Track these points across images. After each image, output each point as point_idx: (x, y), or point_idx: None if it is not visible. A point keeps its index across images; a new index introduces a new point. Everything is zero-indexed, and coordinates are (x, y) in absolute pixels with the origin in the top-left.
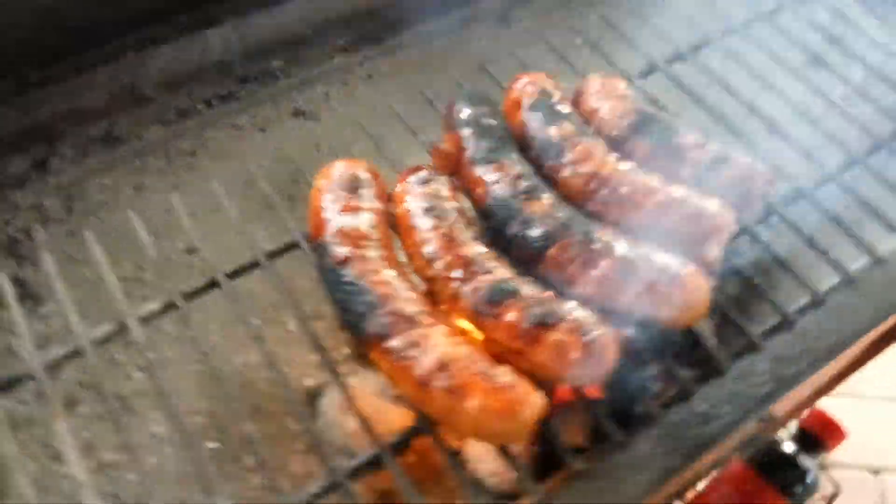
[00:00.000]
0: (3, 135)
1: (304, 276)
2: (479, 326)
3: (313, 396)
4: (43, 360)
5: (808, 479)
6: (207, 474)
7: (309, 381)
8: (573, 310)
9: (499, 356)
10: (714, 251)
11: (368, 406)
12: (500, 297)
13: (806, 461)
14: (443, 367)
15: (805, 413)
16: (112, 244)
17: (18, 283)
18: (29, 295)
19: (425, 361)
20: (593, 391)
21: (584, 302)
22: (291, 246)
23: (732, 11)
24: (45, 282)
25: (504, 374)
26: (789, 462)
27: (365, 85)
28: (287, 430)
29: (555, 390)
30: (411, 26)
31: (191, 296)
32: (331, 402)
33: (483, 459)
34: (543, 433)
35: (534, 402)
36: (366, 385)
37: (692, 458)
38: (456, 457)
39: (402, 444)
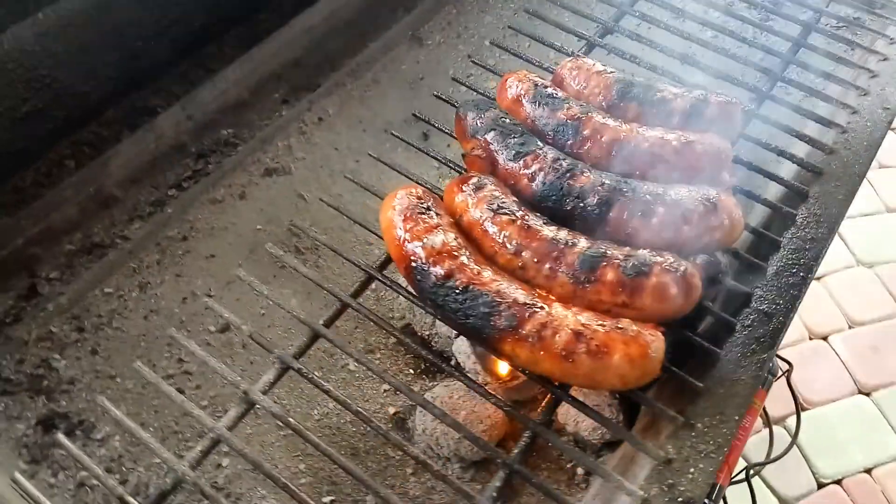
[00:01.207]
0: None
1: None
2: (582, 293)
3: (402, 420)
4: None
5: (771, 365)
6: None
7: (391, 409)
8: (656, 255)
9: (606, 314)
10: (727, 176)
11: (461, 411)
12: (592, 263)
13: None
14: (579, 336)
15: None
16: (148, 356)
17: (59, 417)
18: (76, 425)
19: (562, 336)
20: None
21: (652, 248)
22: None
23: None
24: (90, 408)
25: (629, 325)
26: None
27: (319, 128)
28: (391, 459)
29: None
30: (337, 66)
31: (268, 388)
32: (422, 419)
33: (578, 422)
34: None
35: (659, 339)
36: (445, 394)
37: (771, 351)
38: (551, 426)
39: (546, 421)
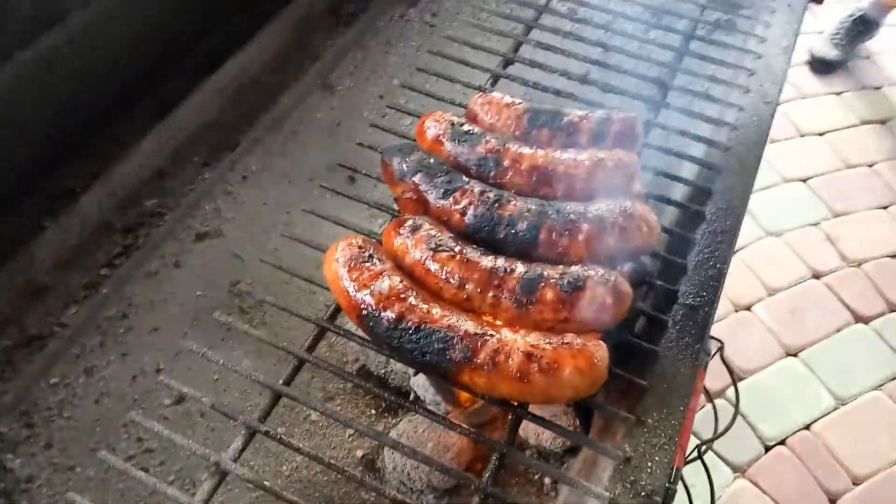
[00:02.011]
0: None
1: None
2: (526, 316)
3: (371, 462)
4: None
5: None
6: None
7: (358, 452)
8: (588, 269)
9: (550, 331)
10: (638, 185)
11: (428, 443)
12: (532, 286)
13: None
14: (530, 357)
15: None
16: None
17: None
18: None
19: (514, 359)
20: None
21: (582, 262)
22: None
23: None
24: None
25: (573, 339)
26: None
27: (245, 186)
28: (366, 502)
29: None
30: (252, 122)
31: (238, 455)
32: (391, 457)
33: (539, 434)
34: None
35: (602, 348)
36: (410, 429)
37: (703, 340)
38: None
39: (510, 441)
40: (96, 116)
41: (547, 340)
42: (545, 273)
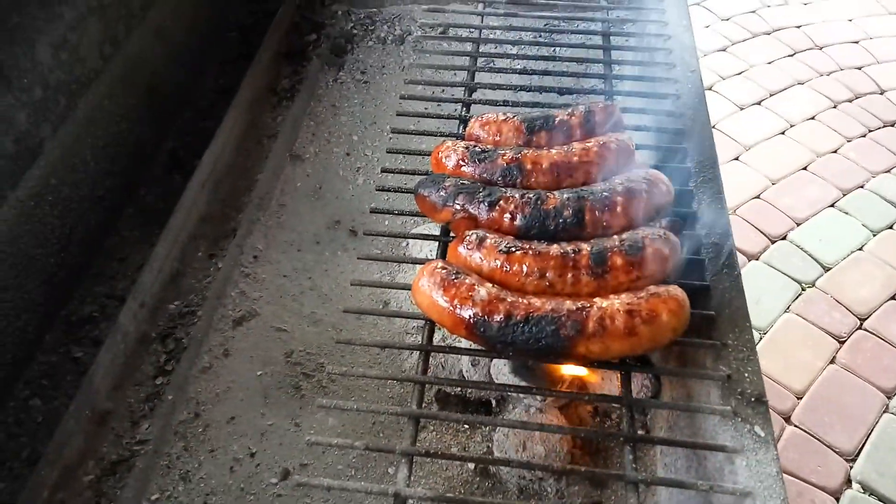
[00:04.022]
0: None
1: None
2: (604, 284)
3: (484, 470)
4: None
5: None
6: None
7: (470, 465)
8: (638, 232)
9: (630, 291)
10: (639, 158)
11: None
12: (602, 258)
13: None
14: (631, 314)
15: None
16: None
17: None
18: None
19: (620, 319)
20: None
21: (627, 229)
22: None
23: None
24: None
25: (657, 289)
26: None
27: (260, 265)
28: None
29: None
30: (241, 207)
31: (409, 481)
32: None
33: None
34: None
35: (678, 290)
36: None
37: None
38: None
39: (628, 393)
40: (89, 237)
41: (638, 296)
42: (608, 244)
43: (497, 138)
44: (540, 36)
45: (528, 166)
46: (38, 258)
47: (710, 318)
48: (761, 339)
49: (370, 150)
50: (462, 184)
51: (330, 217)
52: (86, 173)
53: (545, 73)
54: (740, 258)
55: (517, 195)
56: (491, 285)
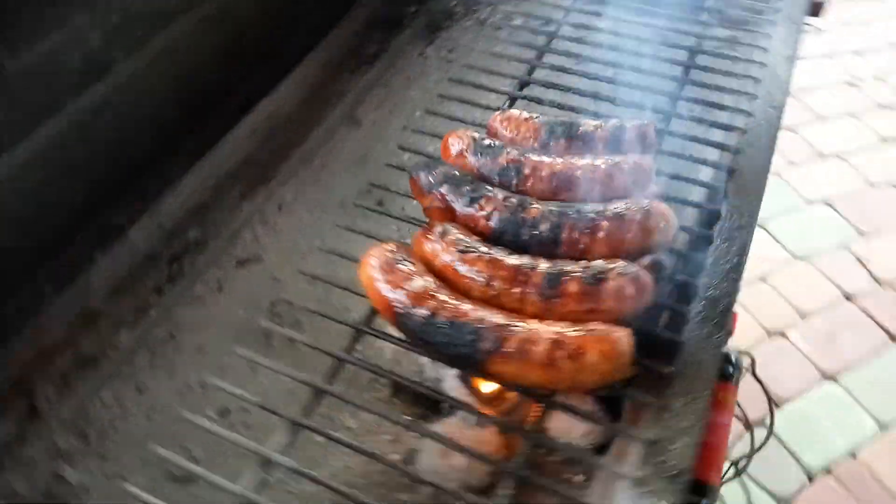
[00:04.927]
0: None
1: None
2: (551, 308)
3: (409, 461)
4: None
5: (734, 360)
6: None
7: (394, 457)
8: (608, 264)
9: (576, 322)
10: (654, 187)
11: (464, 441)
12: (556, 279)
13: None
14: (556, 344)
15: None
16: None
17: None
18: None
19: (541, 347)
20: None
21: (604, 258)
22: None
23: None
24: None
25: (597, 326)
26: None
27: (281, 216)
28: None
29: None
30: (286, 157)
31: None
32: (427, 460)
33: (568, 430)
34: None
35: (625, 335)
36: (443, 431)
37: (724, 329)
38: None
39: (540, 428)
40: (142, 158)
41: (573, 328)
42: (568, 268)
43: (514, 136)
44: (622, 43)
45: (527, 170)
46: (85, 167)
47: (665, 376)
48: (880, 433)
49: (428, 125)
50: (454, 174)
51: (363, 185)
52: (151, 102)
53: (609, 80)
54: (882, 336)
55: (500, 196)
56: (431, 280)
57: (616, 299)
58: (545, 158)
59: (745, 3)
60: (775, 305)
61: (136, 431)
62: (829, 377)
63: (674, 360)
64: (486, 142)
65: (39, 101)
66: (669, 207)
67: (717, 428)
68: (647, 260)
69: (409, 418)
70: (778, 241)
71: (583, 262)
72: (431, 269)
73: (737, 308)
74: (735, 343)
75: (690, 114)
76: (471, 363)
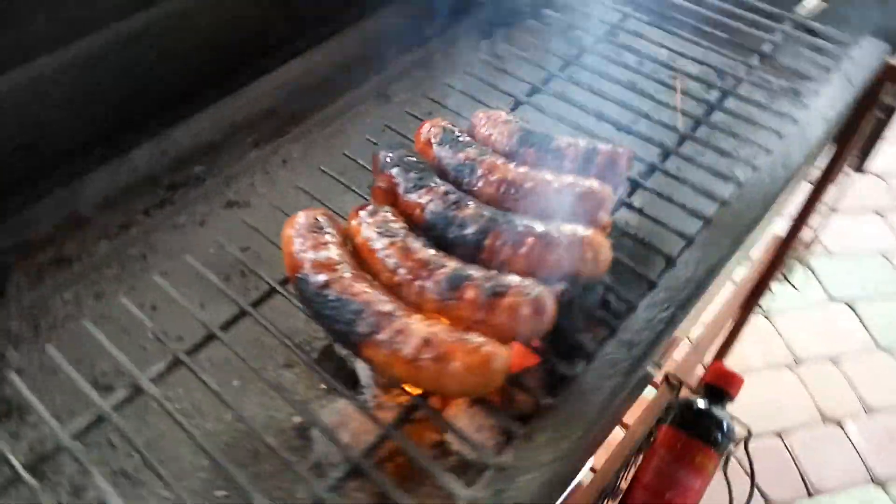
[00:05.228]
0: None
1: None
2: (445, 309)
3: (305, 429)
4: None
5: (725, 427)
6: None
7: (296, 419)
8: (515, 279)
9: (467, 330)
10: (604, 217)
11: (353, 422)
12: (457, 282)
13: (719, 412)
14: (426, 343)
15: (704, 372)
16: (78, 350)
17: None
18: (13, 410)
19: (411, 343)
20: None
21: (520, 275)
22: (265, 296)
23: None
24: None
25: (475, 337)
26: (706, 415)
27: (283, 169)
28: (288, 462)
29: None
30: (306, 117)
31: (158, 378)
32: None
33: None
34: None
35: (502, 353)
36: (342, 407)
37: (629, 378)
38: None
39: (402, 420)
40: (168, 92)
41: (452, 333)
42: (473, 274)
43: (488, 135)
44: (655, 71)
45: (480, 171)
46: (113, 89)
47: (543, 405)
48: None
49: (451, 116)
50: (410, 160)
51: (369, 155)
52: (190, 39)
53: (621, 103)
54: None
55: (442, 189)
56: (343, 254)
57: (509, 317)
58: (501, 163)
59: (807, 53)
60: (840, 391)
61: (80, 333)
62: (878, 482)
63: (560, 394)
64: (456, 135)
65: (85, 16)
66: (608, 241)
67: (685, 490)
68: (558, 286)
69: (323, 387)
70: (864, 324)
71: (491, 273)
72: (353, 245)
73: (796, 382)
74: (781, 417)
75: (692, 155)
76: (348, 343)
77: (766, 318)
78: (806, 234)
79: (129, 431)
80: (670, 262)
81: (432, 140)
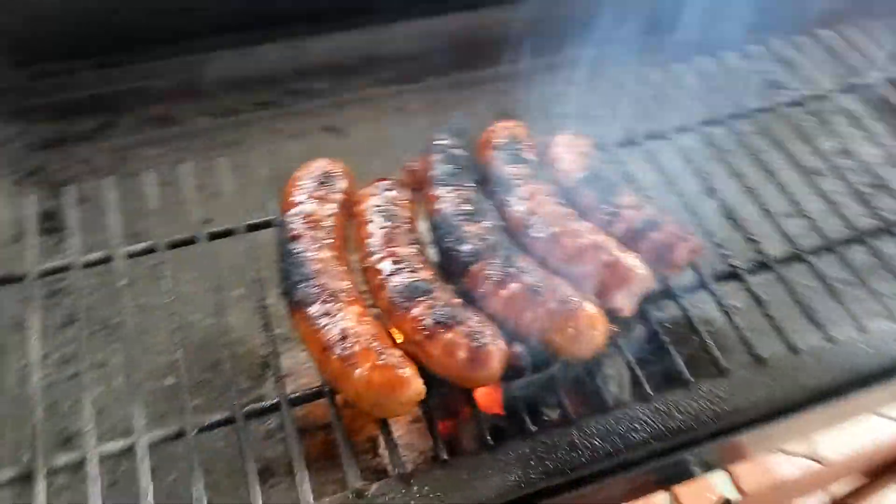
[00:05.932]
0: (80, 98)
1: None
2: (391, 315)
3: (266, 366)
4: (39, 269)
5: None
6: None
7: (265, 350)
8: (472, 318)
9: (403, 346)
10: (621, 299)
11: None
12: (414, 293)
13: None
14: (344, 337)
15: None
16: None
17: (48, 216)
18: (52, 225)
19: (331, 330)
20: (489, 401)
21: (492, 317)
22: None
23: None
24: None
25: (394, 355)
26: None
27: (394, 115)
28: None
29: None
30: (448, 72)
31: (173, 245)
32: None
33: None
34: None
35: (414, 385)
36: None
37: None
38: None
39: (298, 400)
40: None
41: (375, 340)
42: (437, 293)
43: (558, 159)
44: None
45: (519, 192)
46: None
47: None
48: None
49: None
50: (455, 151)
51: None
52: None
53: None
54: None
55: (467, 194)
56: (332, 213)
57: (444, 353)
58: (545, 194)
59: None
60: None
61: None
62: None
63: (465, 457)
64: (517, 146)
65: None
66: (608, 329)
67: None
68: (517, 347)
69: None
70: None
71: (455, 300)
72: (359, 216)
73: None
74: None
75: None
76: (289, 302)
77: None
78: None
79: (127, 284)
80: (685, 383)
81: (494, 141)
